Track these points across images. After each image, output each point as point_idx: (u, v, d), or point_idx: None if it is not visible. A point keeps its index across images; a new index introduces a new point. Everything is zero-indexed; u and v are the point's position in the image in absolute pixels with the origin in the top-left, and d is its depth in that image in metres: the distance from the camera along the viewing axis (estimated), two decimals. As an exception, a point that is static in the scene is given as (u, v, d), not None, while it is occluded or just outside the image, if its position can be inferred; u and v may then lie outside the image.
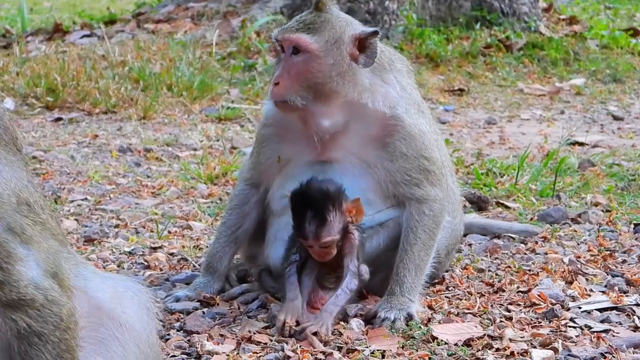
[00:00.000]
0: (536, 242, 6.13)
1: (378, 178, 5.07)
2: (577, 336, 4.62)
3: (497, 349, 4.45)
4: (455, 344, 4.51)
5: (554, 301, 5.01)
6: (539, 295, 5.05)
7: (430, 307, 5.03)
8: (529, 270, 5.52)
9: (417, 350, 4.47)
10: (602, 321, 4.81)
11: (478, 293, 5.20)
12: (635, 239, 6.14)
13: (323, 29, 5.01)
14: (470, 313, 4.92)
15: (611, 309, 4.97)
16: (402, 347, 4.52)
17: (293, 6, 13.35)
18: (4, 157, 3.24)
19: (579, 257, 5.74)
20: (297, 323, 4.70)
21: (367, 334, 4.69)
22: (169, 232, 6.48)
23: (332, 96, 5.01)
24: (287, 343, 4.54)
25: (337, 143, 5.05)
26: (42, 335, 3.08)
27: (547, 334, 4.59)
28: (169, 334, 4.74)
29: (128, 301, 3.46)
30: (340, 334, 4.67)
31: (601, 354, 4.39)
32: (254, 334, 4.67)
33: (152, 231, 6.50)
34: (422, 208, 5.07)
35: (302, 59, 4.98)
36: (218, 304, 5.17)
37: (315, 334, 4.61)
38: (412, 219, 5.06)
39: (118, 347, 3.37)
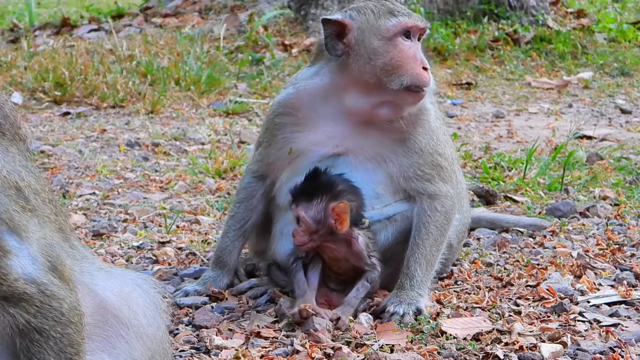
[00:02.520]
0: (544, 236, 6.13)
1: (390, 172, 5.06)
2: (586, 330, 4.61)
3: (506, 344, 4.45)
4: (464, 339, 4.51)
5: (562, 295, 5.01)
6: (547, 290, 5.05)
7: (439, 301, 5.03)
8: (538, 265, 5.52)
9: (425, 345, 4.47)
10: (611, 315, 4.81)
11: (487, 287, 5.20)
12: (644, 233, 6.15)
13: None
14: (479, 307, 4.92)
15: (620, 302, 4.97)
16: (411, 342, 4.52)
17: (300, 0, 13.34)
18: None
19: (588, 251, 5.73)
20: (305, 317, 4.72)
21: (376, 329, 4.69)
22: (178, 226, 6.48)
23: None
24: (296, 337, 4.54)
25: (359, 131, 5.03)
26: (43, 331, 3.00)
27: (556, 329, 4.58)
28: (177, 329, 4.75)
29: (135, 300, 3.40)
30: (349, 329, 4.67)
31: (610, 348, 4.39)
32: (263, 328, 4.68)
33: (160, 226, 6.51)
34: (434, 204, 5.06)
35: (419, 46, 5.04)
36: (227, 299, 5.17)
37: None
38: (424, 214, 5.05)
39: (124, 344, 3.32)
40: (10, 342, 3.03)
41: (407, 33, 4.97)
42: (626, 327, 4.66)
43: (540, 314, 4.81)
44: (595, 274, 5.39)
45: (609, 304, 4.95)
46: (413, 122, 5.05)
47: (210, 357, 4.41)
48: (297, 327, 4.68)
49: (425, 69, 4.92)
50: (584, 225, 6.36)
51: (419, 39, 5.02)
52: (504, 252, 5.81)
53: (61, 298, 3.05)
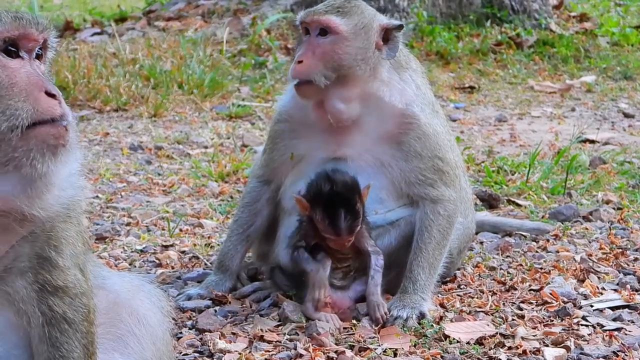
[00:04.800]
0: (548, 240, 6.13)
1: (392, 177, 5.08)
2: (589, 334, 4.62)
3: (510, 348, 4.45)
4: (468, 343, 4.51)
5: (565, 299, 5.01)
6: (550, 294, 5.05)
7: (442, 305, 5.04)
8: (541, 269, 5.52)
9: (429, 349, 4.47)
10: (614, 319, 4.81)
11: (490, 291, 5.20)
12: (647, 237, 6.14)
13: (353, 14, 5.04)
14: (482, 311, 4.92)
15: (623, 307, 4.98)
16: (415, 346, 4.52)
17: (304, 4, 13.34)
18: None
19: (591, 255, 5.73)
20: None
21: (379, 333, 4.70)
22: (181, 230, 6.49)
23: (353, 80, 5.01)
24: (299, 341, 4.55)
25: (352, 138, 5.05)
26: (73, 323, 3.19)
27: (560, 333, 4.59)
28: (181, 332, 4.75)
29: (144, 294, 3.56)
30: (353, 333, 4.68)
31: (613, 352, 4.39)
32: (266, 332, 4.68)
33: (163, 229, 6.51)
34: (437, 208, 5.07)
35: (329, 40, 4.99)
36: (230, 302, 5.18)
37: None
38: (426, 218, 5.06)
39: (136, 344, 3.45)
40: (27, 344, 3.20)
41: (305, 30, 5.09)
42: (629, 331, 4.66)
43: (544, 318, 4.81)
44: (599, 278, 5.39)
45: (612, 308, 4.95)
46: (400, 125, 5.06)
47: (213, 360, 4.42)
48: (300, 331, 4.70)
49: (299, 62, 4.98)
50: (587, 229, 6.36)
51: (323, 34, 5.03)
52: (507, 256, 5.81)
53: (89, 297, 3.27)
